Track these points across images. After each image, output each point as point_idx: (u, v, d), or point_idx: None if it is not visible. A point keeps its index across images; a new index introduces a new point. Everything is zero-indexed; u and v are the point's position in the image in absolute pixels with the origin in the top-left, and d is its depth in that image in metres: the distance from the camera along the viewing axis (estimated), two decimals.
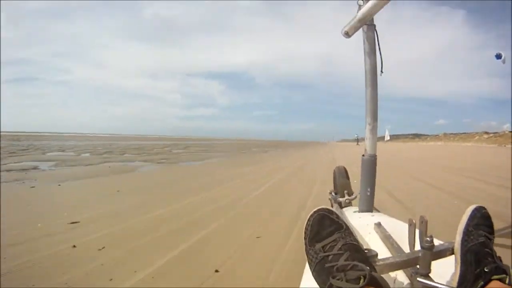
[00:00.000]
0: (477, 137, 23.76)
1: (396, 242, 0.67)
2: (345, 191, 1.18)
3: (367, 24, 0.96)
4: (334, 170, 1.37)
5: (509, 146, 15.08)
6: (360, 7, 0.90)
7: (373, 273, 0.44)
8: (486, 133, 26.91)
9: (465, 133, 32.29)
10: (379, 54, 0.99)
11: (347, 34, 0.90)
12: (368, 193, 0.99)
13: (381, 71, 0.99)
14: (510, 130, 23.49)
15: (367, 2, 0.86)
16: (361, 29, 0.94)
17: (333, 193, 1.22)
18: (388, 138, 27.90)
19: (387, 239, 0.70)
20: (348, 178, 1.30)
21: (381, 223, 0.79)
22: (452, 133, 34.31)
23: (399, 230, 0.73)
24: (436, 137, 33.18)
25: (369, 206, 0.99)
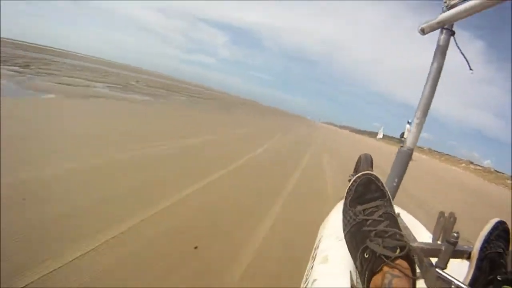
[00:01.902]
0: (463, 165, 22.84)
1: (413, 234, 0.67)
2: None
3: (445, 28, 1.00)
4: (360, 156, 1.32)
5: (501, 186, 13.83)
6: (443, 9, 0.96)
7: (410, 246, 0.43)
8: (471, 162, 26.19)
9: (449, 154, 31.72)
10: (462, 55, 1.03)
11: (423, 32, 1.02)
12: (395, 184, 1.01)
13: (471, 69, 1.04)
14: (495, 169, 22.73)
15: (450, 7, 0.92)
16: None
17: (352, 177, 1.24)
18: (381, 136, 27.59)
19: (405, 230, 0.69)
20: (372, 166, 1.25)
21: (400, 215, 0.78)
22: (436, 151, 33.83)
23: (414, 226, 0.76)
24: (420, 149, 32.30)
25: (392, 196, 0.99)
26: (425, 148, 33.98)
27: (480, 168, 21.53)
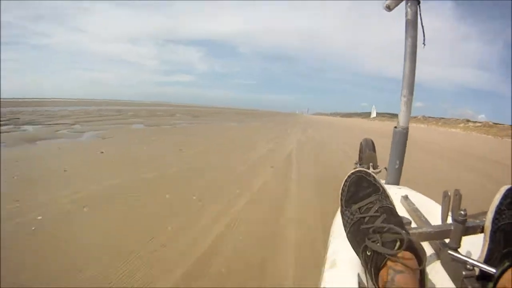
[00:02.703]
0: (462, 125, 22.46)
1: (423, 216, 0.66)
2: (370, 164, 1.17)
3: None
4: (361, 142, 1.32)
5: (505, 138, 13.51)
6: None
7: (410, 237, 0.44)
8: (468, 120, 25.81)
9: (444, 118, 31.40)
10: (421, 27, 1.00)
11: (388, 8, 0.98)
12: (397, 166, 1.01)
13: (424, 43, 1.00)
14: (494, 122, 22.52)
15: None
16: (402, 3, 0.98)
17: (358, 164, 1.23)
18: (375, 115, 27.60)
19: (415, 212, 0.70)
20: (374, 150, 1.25)
21: (408, 196, 0.79)
22: (431, 117, 33.60)
23: (426, 205, 0.75)
24: (415, 118, 31.99)
25: (396, 179, 1.01)
26: (419, 116, 33.77)
27: (480, 124, 21.29)
